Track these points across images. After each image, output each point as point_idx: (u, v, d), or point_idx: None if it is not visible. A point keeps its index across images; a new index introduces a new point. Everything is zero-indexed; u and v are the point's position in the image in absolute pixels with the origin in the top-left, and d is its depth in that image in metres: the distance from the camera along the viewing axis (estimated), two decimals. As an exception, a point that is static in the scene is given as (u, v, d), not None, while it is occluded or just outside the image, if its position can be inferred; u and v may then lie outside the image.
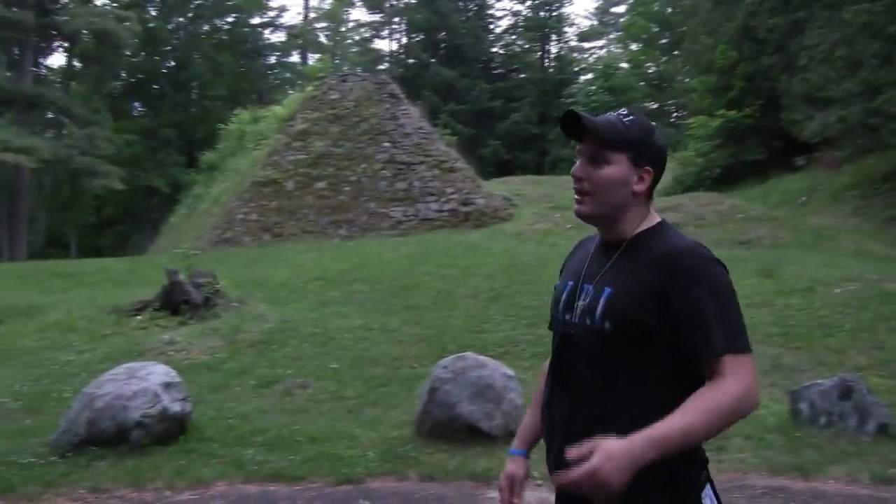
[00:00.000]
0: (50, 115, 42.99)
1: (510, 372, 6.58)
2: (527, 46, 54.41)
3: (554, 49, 55.19)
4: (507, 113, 46.98)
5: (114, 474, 5.50)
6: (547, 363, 2.17)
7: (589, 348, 1.97)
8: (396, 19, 56.64)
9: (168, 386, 6.28)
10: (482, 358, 6.65)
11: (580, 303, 2.02)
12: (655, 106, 49.34)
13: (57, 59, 51.16)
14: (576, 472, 1.74)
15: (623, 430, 1.80)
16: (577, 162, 2.06)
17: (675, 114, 48.58)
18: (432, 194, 21.95)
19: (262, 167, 22.48)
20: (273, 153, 22.80)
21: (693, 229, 17.81)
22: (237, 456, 5.92)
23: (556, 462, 1.99)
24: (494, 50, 53.87)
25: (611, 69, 44.08)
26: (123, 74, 48.29)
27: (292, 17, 78.21)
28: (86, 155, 36.86)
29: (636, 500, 1.84)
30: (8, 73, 42.44)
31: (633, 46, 52.20)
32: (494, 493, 5.28)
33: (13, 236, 36.40)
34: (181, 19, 49.49)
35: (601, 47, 58.91)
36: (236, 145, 27.66)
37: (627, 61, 50.17)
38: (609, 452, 1.73)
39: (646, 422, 1.80)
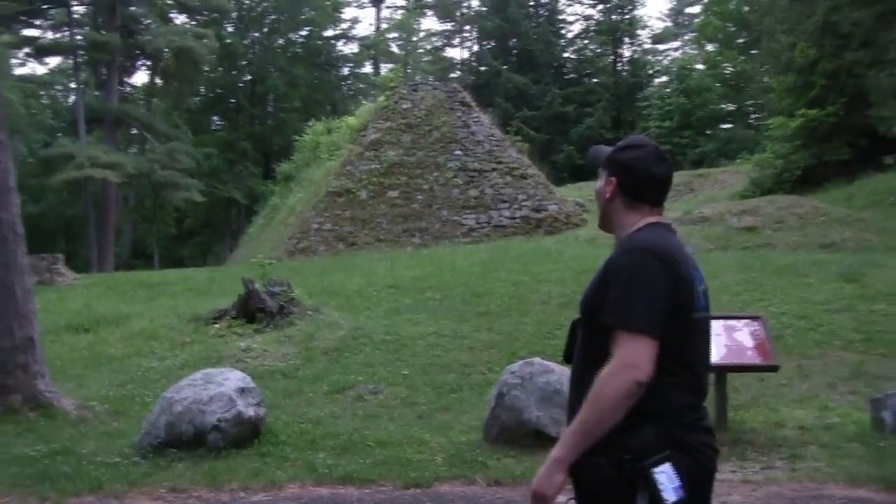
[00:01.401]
0: (133, 131, 44.48)
1: (579, 377, 6.55)
2: (599, 50, 53.93)
3: (627, 52, 54.61)
4: (580, 118, 46.60)
5: (191, 475, 5.71)
6: None
7: (581, 337, 2.32)
8: (467, 27, 56.83)
9: (243, 391, 6.45)
10: (550, 363, 6.64)
11: None
12: (733, 107, 48.32)
13: (140, 78, 52.88)
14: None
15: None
16: None
17: (753, 115, 47.48)
18: (504, 201, 21.97)
19: (336, 177, 22.83)
20: (346, 163, 23.13)
21: (771, 233, 17.42)
22: (309, 459, 6.05)
23: None
24: (566, 55, 53.54)
25: (686, 71, 43.36)
26: (202, 90, 49.60)
27: (365, 29, 79.24)
28: (167, 169, 38.03)
29: (588, 480, 2.16)
30: (96, 93, 44.14)
31: (709, 47, 51.25)
32: (562, 498, 5.28)
33: (101, 249, 37.71)
34: (257, 34, 50.59)
35: (676, 49, 58.06)
36: (311, 156, 28.16)
37: (703, 62, 49.26)
38: (537, 473, 2.17)
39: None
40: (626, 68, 52.89)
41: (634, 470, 2.07)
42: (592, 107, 47.01)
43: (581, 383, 2.21)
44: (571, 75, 52.35)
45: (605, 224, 2.44)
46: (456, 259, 16.14)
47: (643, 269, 2.15)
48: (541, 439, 6.16)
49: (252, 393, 6.54)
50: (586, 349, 2.26)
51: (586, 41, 54.27)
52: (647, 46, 57.25)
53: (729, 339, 6.51)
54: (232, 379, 6.56)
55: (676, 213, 21.19)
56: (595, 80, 51.12)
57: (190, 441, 6.15)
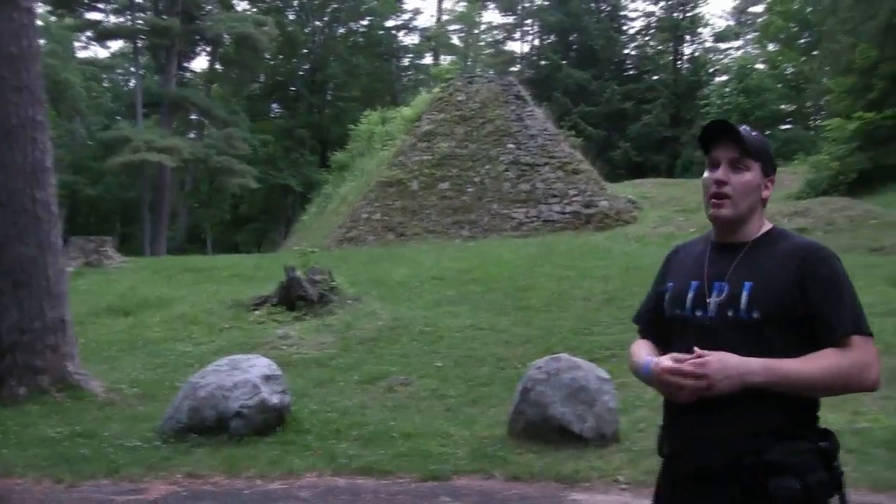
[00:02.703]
0: (192, 117, 45.12)
1: (605, 375, 6.38)
2: (660, 48, 53.14)
3: (688, 50, 53.70)
4: (638, 115, 46.00)
5: (210, 461, 5.68)
6: (638, 341, 2.40)
7: (731, 338, 2.09)
8: (529, 21, 56.44)
9: (268, 378, 6.41)
10: (577, 360, 6.48)
11: (714, 299, 2.16)
12: (793, 108, 47.25)
13: (200, 63, 53.67)
14: (689, 362, 2.01)
15: (776, 411, 2.04)
16: (711, 169, 2.25)
17: (813, 116, 46.38)
18: (555, 196, 21.72)
19: (388, 167, 22.83)
20: (399, 153, 23.11)
21: (821, 234, 16.94)
22: (330, 449, 5.98)
23: (709, 448, 2.09)
24: (627, 51, 52.87)
25: (746, 70, 42.45)
26: (262, 77, 50.07)
27: (426, 20, 79.27)
28: (223, 154, 38.48)
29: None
30: (155, 77, 44.87)
31: (771, 47, 50.13)
32: (578, 495, 5.15)
33: (155, 232, 38.36)
34: (318, 23, 50.88)
35: (738, 48, 56.89)
36: (365, 146, 28.24)
37: (764, 62, 48.22)
38: (724, 357, 2.00)
39: (789, 400, 2.04)
40: (686, 66, 52.06)
41: (841, 476, 2.10)
42: (651, 104, 46.35)
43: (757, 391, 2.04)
44: (631, 72, 51.70)
45: (743, 220, 2.22)
46: (503, 252, 16.00)
47: (848, 275, 2.15)
48: (565, 436, 6.02)
49: (277, 380, 6.50)
50: (760, 351, 2.06)
51: (647, 38, 53.57)
52: (708, 45, 56.25)
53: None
54: (258, 366, 6.52)
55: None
56: (655, 78, 50.39)
57: (212, 427, 6.13)
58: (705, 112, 43.05)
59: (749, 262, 2.17)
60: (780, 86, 44.21)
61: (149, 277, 15.01)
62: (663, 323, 2.31)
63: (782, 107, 45.12)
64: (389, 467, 5.63)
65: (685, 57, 52.84)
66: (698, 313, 2.18)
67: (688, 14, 51.95)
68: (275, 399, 6.35)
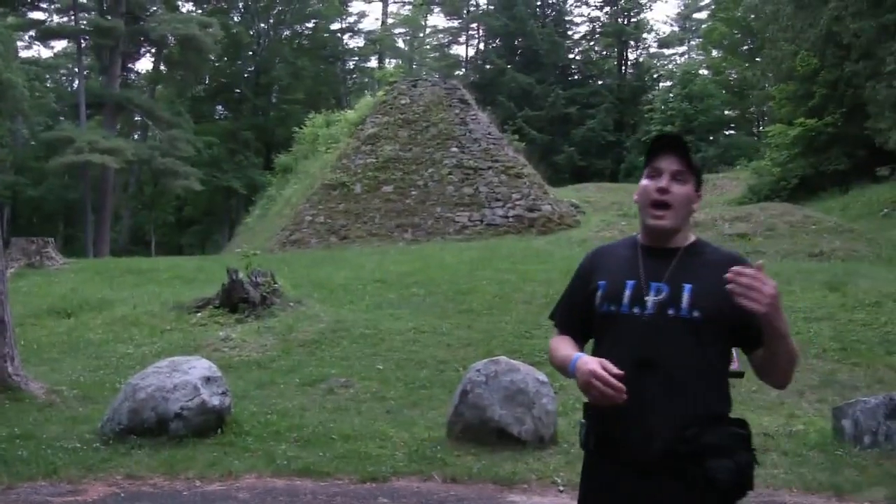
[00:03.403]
0: (136, 118, 44.54)
1: (543, 378, 6.57)
2: (604, 53, 53.96)
3: (632, 55, 54.61)
4: (583, 119, 46.65)
5: (150, 463, 5.72)
6: (558, 336, 2.56)
7: (677, 335, 2.29)
8: (474, 25, 56.84)
9: (209, 380, 6.47)
10: (515, 362, 6.65)
11: (652, 298, 2.33)
12: (736, 113, 48.29)
13: (144, 64, 53.01)
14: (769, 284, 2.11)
15: (712, 401, 2.28)
16: (653, 178, 2.41)
17: (756, 122, 47.43)
18: (499, 200, 21.96)
19: (332, 170, 22.85)
20: (342, 156, 23.15)
21: (762, 240, 17.40)
22: (270, 450, 6.07)
23: (649, 437, 2.24)
24: (572, 56, 53.52)
25: (690, 76, 43.31)
26: (207, 79, 49.60)
27: (371, 23, 79.09)
28: (167, 156, 38.09)
29: (748, 474, 2.26)
30: (99, 78, 44.18)
31: (715, 53, 51.19)
32: (515, 497, 5.31)
33: (98, 234, 37.78)
34: (263, 25, 50.63)
35: (682, 54, 57.99)
36: (309, 148, 28.22)
37: (707, 68, 49.21)
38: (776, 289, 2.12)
39: (725, 394, 2.33)
40: (630, 71, 52.89)
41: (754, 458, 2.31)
42: (595, 109, 47.02)
43: (700, 382, 2.28)
44: (576, 76, 52.38)
45: (677, 228, 2.41)
46: (445, 256, 16.15)
47: None
48: (503, 438, 6.18)
49: (217, 382, 6.55)
50: (702, 346, 2.28)
51: (592, 43, 54.31)
52: (653, 50, 57.26)
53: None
54: (198, 367, 6.57)
55: (669, 217, 21.21)
56: (599, 83, 51.13)
57: (152, 428, 6.16)
58: (649, 117, 43.82)
59: (686, 267, 2.36)
60: (723, 92, 45.14)
61: (90, 279, 14.85)
62: (585, 319, 2.47)
63: (727, 112, 46.03)
64: (328, 469, 5.73)
65: (629, 62, 53.71)
66: (636, 310, 2.34)
67: (632, 20, 52.81)
68: (215, 401, 6.41)
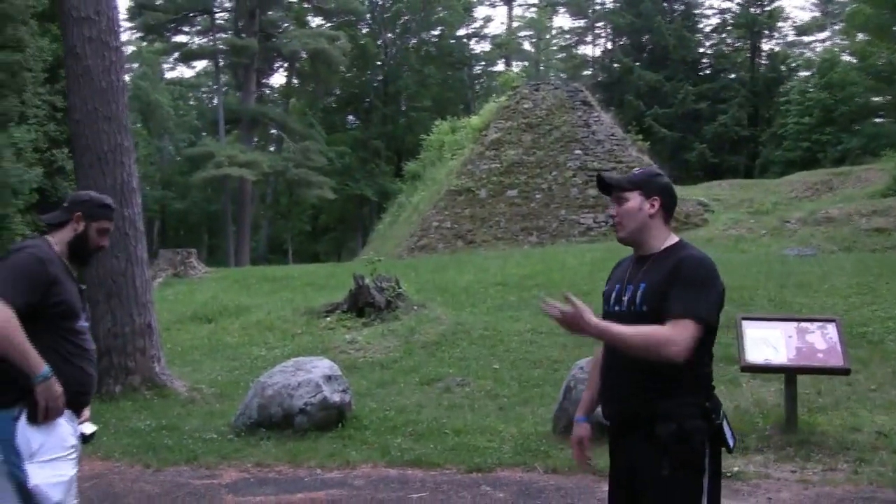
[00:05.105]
0: (272, 131, 46.67)
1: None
2: (736, 45, 52.35)
3: (766, 46, 52.71)
4: (714, 115, 45.41)
5: (276, 452, 6.34)
6: (599, 350, 3.10)
7: (630, 324, 2.73)
8: (600, 24, 56.38)
9: (329, 378, 7.00)
10: (618, 360, 6.83)
11: (626, 297, 2.89)
12: (884, 100, 45.53)
13: (277, 79, 55.53)
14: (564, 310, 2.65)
15: (665, 377, 2.71)
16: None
17: (903, 108, 44.67)
18: (623, 200, 21.86)
19: (457, 176, 23.37)
20: (467, 162, 23.63)
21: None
22: (385, 443, 6.53)
23: (618, 406, 2.89)
24: (701, 50, 52.20)
25: (829, 63, 41.32)
26: (337, 90, 51.32)
27: (497, 27, 79.72)
28: (301, 167, 39.72)
29: (696, 440, 2.72)
30: (236, 94, 46.57)
31: (860, 36, 48.52)
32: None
33: (238, 243, 39.82)
34: (390, 35, 51.89)
35: (823, 40, 55.32)
36: (436, 155, 28.83)
37: (851, 53, 46.73)
38: (586, 313, 2.61)
39: (662, 373, 2.70)
40: (764, 62, 51.10)
41: (718, 426, 2.77)
42: (727, 103, 45.70)
43: (641, 366, 2.71)
44: (706, 71, 51.05)
45: (638, 236, 2.93)
46: (567, 258, 16.32)
47: (709, 276, 2.79)
48: (604, 431, 6.37)
49: (338, 380, 7.07)
50: None
51: (723, 35, 52.79)
52: (791, 38, 54.99)
53: (800, 341, 6.52)
54: (320, 367, 7.11)
55: (801, 213, 20.59)
56: (731, 76, 49.65)
57: (279, 422, 6.75)
58: (785, 110, 42.18)
59: (649, 270, 2.88)
60: (869, 78, 42.73)
61: (230, 287, 15.87)
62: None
63: (874, 99, 43.57)
64: (438, 460, 6.13)
65: (763, 53, 51.91)
66: (616, 308, 2.92)
67: (766, 9, 50.98)
68: (336, 397, 6.92)
